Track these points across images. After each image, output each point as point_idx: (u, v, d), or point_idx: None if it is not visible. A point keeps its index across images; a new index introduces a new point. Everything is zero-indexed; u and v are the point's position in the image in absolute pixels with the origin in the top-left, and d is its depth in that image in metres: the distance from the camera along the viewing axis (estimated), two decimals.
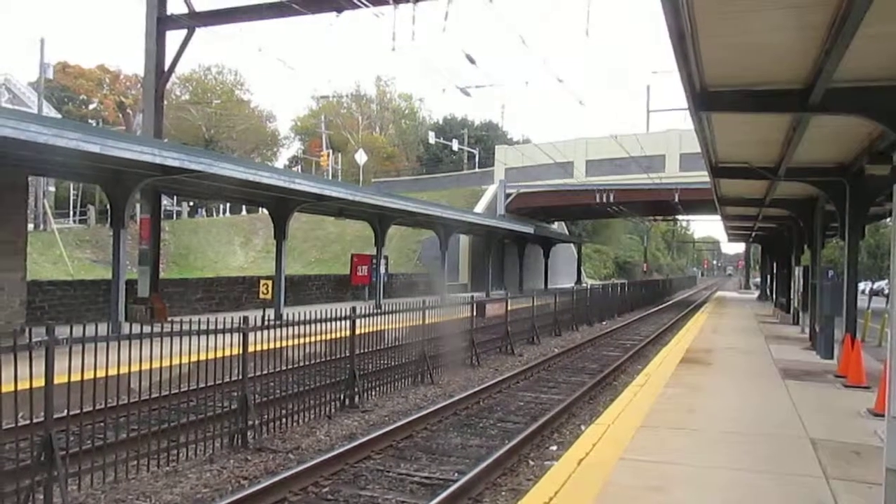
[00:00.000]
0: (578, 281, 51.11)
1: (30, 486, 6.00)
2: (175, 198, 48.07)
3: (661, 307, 40.86)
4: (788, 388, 10.27)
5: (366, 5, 16.57)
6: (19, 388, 5.84)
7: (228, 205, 51.63)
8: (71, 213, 46.09)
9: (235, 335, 8.55)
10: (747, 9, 6.25)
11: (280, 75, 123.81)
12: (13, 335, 6.03)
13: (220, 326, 8.28)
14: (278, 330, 9.50)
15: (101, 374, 6.70)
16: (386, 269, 28.43)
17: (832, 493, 5.51)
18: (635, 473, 5.94)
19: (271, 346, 9.38)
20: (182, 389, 8.50)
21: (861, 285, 31.47)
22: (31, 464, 6.13)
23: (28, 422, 6.32)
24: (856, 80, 7.99)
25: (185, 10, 19.40)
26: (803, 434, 7.43)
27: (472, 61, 17.23)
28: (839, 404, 9.22)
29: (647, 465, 6.19)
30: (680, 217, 71.82)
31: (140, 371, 7.29)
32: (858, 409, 8.72)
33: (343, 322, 10.73)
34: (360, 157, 56.99)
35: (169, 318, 15.68)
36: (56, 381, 6.22)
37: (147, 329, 7.55)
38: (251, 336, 8.71)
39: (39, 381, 6.15)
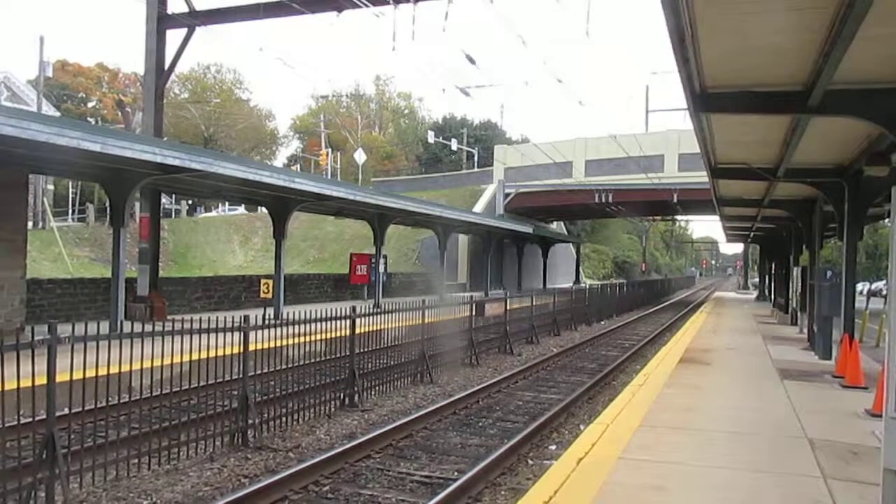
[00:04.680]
0: (577, 280, 51.18)
1: (32, 484, 6.02)
2: (174, 196, 48.07)
3: (659, 307, 40.90)
4: (787, 389, 10.31)
5: (366, 5, 16.60)
6: (21, 385, 5.87)
7: (227, 203, 51.63)
8: (70, 211, 46.08)
9: (236, 334, 8.57)
10: (747, 11, 6.28)
11: (279, 74, 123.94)
12: (16, 333, 6.06)
13: (220, 325, 8.30)
14: (278, 329, 9.52)
15: (102, 372, 6.72)
16: (385, 268, 28.46)
17: (830, 493, 5.54)
18: (634, 473, 5.97)
19: (271, 344, 9.41)
20: (182, 388, 8.53)
21: (859, 286, 31.58)
22: (33, 461, 6.16)
23: (30, 419, 6.35)
24: (855, 83, 8.02)
25: (185, 9, 19.42)
26: (801, 434, 7.46)
27: (471, 61, 17.28)
28: (837, 404, 9.26)
29: (646, 464, 6.22)
30: (679, 217, 71.92)
31: (141, 369, 7.31)
32: (856, 410, 8.76)
33: (343, 321, 10.76)
34: (360, 157, 57.01)
35: (168, 317, 15.71)
36: (57, 380, 6.25)
37: (147, 327, 7.57)
38: (251, 335, 8.74)
39: (41, 379, 6.17)
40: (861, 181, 12.25)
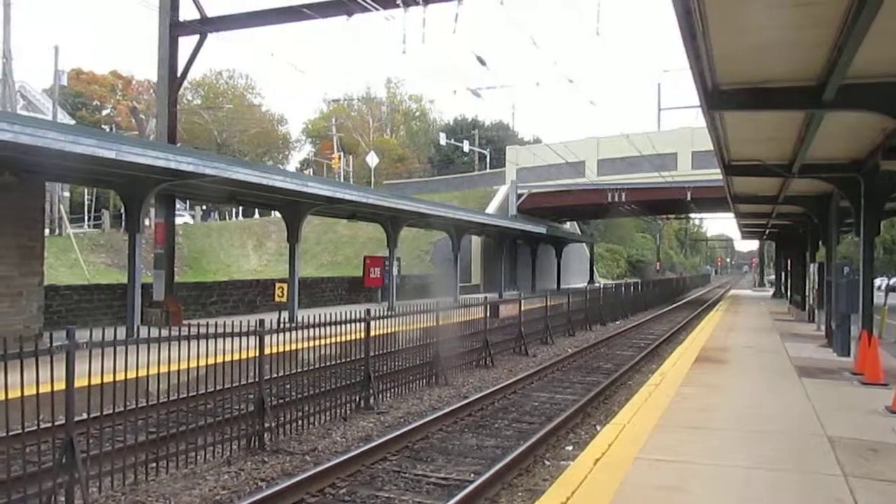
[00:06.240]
0: (591, 280, 51.01)
1: (52, 489, 6.08)
2: (188, 202, 48.35)
3: (674, 306, 40.69)
4: (805, 386, 10.23)
5: (376, 8, 16.66)
6: (40, 391, 5.92)
7: (241, 208, 51.89)
8: (86, 217, 46.48)
9: (251, 338, 8.61)
10: (759, 6, 6.24)
11: (291, 78, 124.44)
12: (34, 339, 6.11)
13: (235, 329, 8.34)
14: (293, 332, 9.56)
15: (119, 377, 6.77)
16: (398, 270, 28.47)
17: (850, 490, 5.49)
18: (652, 473, 5.94)
19: (287, 348, 9.45)
20: (199, 392, 8.57)
21: (877, 281, 31.26)
22: (53, 466, 6.21)
23: (49, 424, 6.40)
24: (869, 76, 7.96)
25: (197, 17, 19.55)
26: (820, 432, 7.39)
27: (482, 62, 17.32)
28: (856, 402, 9.17)
29: (663, 464, 6.19)
30: (692, 215, 71.59)
31: (158, 374, 7.36)
32: (876, 407, 8.67)
33: (358, 324, 10.78)
34: (372, 160, 57.14)
35: (184, 322, 15.81)
36: (76, 385, 6.30)
37: (163, 332, 7.62)
38: (267, 338, 8.77)
39: (60, 385, 6.23)
40: (877, 176, 12.12)
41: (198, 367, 8.02)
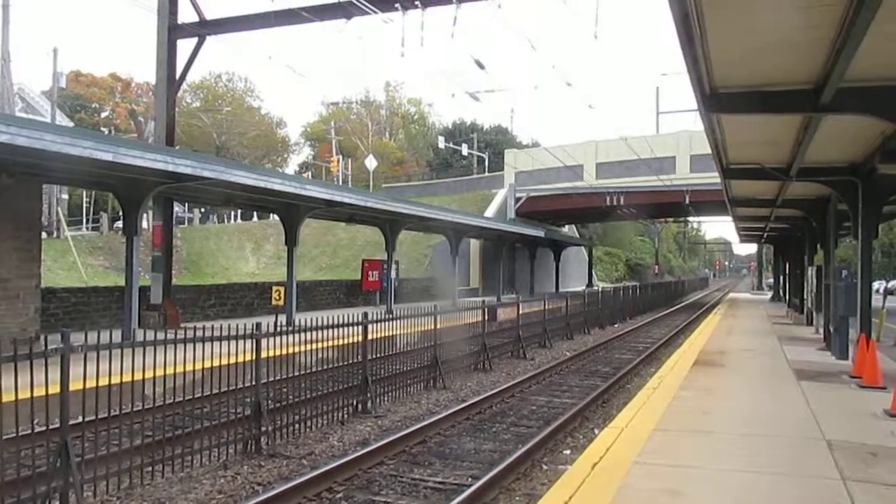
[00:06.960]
0: (589, 283, 51.01)
1: (46, 493, 6.04)
2: (186, 205, 48.30)
3: (673, 309, 40.66)
4: (803, 390, 10.21)
5: (374, 11, 16.64)
6: (35, 394, 5.89)
7: (240, 211, 51.89)
8: (84, 220, 46.45)
9: (248, 341, 8.58)
10: (756, 9, 6.23)
11: (290, 82, 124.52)
12: (29, 342, 6.08)
13: (232, 333, 8.31)
14: (291, 336, 9.53)
15: (115, 380, 6.74)
16: (397, 274, 28.44)
17: (849, 494, 5.47)
18: (650, 476, 5.91)
19: (284, 351, 9.42)
20: (195, 396, 8.54)
21: (875, 284, 31.30)
22: (48, 470, 6.18)
23: (44, 428, 6.37)
24: (867, 80, 7.95)
25: (195, 19, 19.53)
26: (819, 435, 7.38)
27: (480, 66, 17.31)
28: (855, 405, 9.15)
29: (662, 468, 6.16)
30: (691, 218, 71.62)
31: (154, 377, 7.33)
32: (874, 410, 8.66)
33: (355, 328, 10.75)
34: (370, 163, 57.16)
35: (182, 325, 15.77)
36: (71, 388, 6.27)
37: (160, 335, 7.59)
38: (264, 342, 8.74)
39: (55, 388, 6.20)
40: (875, 179, 12.12)
41: (194, 370, 7.99)
